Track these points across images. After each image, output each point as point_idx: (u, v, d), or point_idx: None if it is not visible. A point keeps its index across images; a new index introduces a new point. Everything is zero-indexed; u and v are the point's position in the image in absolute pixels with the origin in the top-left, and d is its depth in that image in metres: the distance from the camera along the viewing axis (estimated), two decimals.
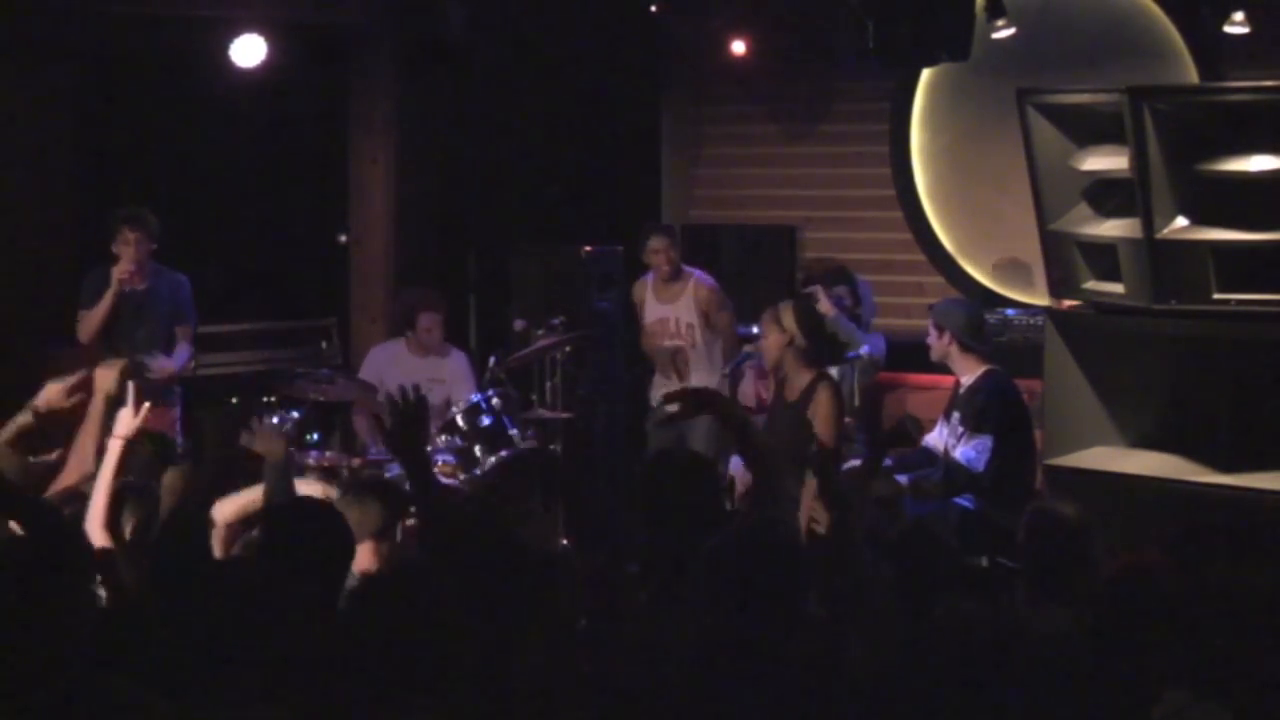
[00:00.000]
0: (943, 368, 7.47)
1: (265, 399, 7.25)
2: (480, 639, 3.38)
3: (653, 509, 4.30)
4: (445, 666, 3.24)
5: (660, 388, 8.58)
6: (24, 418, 5.11)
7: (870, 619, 3.90)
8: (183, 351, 7.85)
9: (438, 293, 8.50)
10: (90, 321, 7.64)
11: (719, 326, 8.59)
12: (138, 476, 5.08)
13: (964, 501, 6.94)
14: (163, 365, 7.70)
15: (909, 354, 8.92)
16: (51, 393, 5.16)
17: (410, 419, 4.29)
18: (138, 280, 7.69)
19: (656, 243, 8.58)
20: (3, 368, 8.02)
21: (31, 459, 5.08)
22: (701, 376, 8.49)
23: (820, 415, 6.78)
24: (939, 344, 7.19)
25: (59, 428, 5.18)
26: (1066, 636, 3.92)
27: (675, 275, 8.61)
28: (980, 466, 6.91)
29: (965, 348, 7.15)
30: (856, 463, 7.25)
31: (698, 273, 8.70)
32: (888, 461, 7.42)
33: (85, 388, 5.15)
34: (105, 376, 5.14)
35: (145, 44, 8.79)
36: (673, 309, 8.62)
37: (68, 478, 5.00)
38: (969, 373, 7.15)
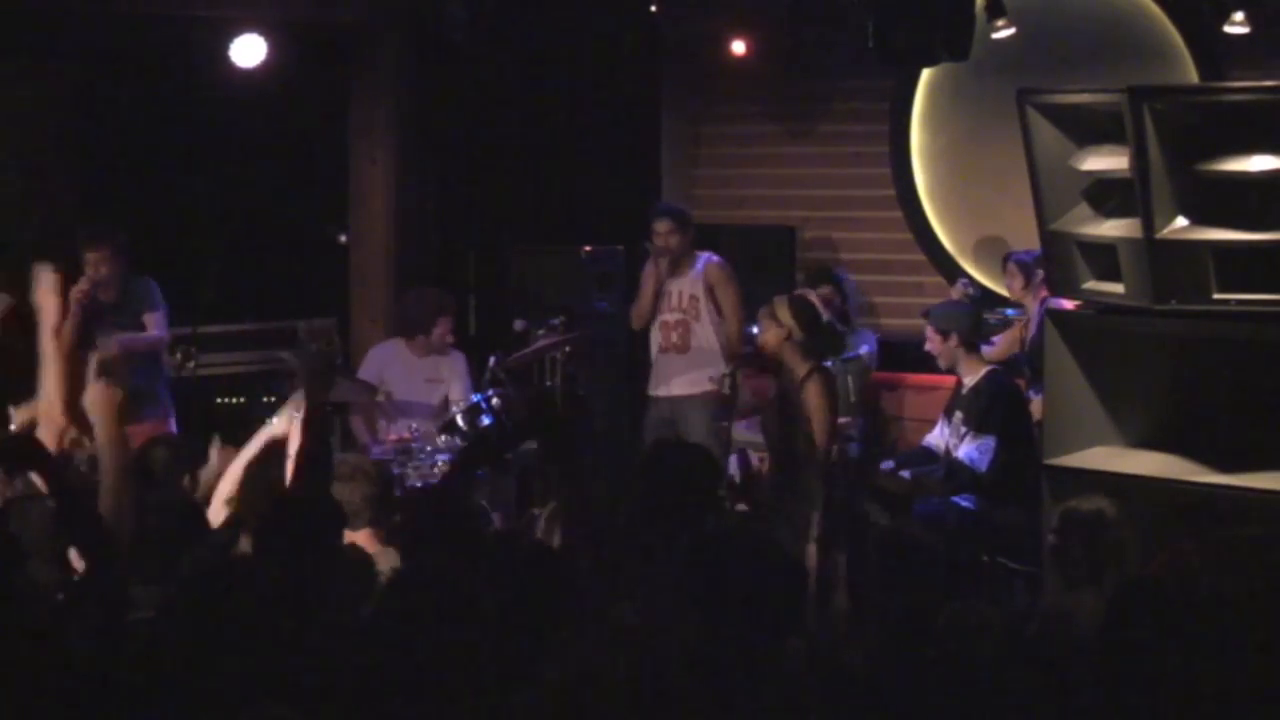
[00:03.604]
0: (938, 367, 7.47)
1: (265, 399, 7.26)
2: (500, 639, 3.38)
3: (650, 498, 4.30)
4: (469, 668, 3.24)
5: (657, 373, 8.46)
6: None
7: (868, 623, 3.90)
8: (155, 329, 7.78)
9: (449, 295, 8.42)
10: (61, 340, 7.55)
11: (724, 305, 8.30)
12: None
13: (964, 501, 6.95)
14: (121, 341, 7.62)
15: (907, 354, 8.93)
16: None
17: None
18: (109, 294, 7.63)
19: (661, 225, 8.24)
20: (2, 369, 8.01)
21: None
22: (701, 357, 8.34)
23: (811, 407, 6.76)
24: (944, 347, 7.19)
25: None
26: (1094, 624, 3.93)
27: (675, 262, 8.27)
28: (983, 467, 6.92)
29: (968, 349, 7.17)
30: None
31: (708, 254, 8.42)
32: (888, 462, 7.45)
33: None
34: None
35: (145, 44, 8.79)
36: (677, 283, 8.33)
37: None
38: (972, 373, 7.16)
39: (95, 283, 7.56)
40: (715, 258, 8.41)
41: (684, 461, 4.48)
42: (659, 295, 8.32)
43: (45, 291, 5.22)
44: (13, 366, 5.43)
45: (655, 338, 8.43)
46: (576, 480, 4.19)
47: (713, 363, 8.21)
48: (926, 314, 7.44)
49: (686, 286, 8.31)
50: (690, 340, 8.29)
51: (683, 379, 8.28)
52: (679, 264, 8.28)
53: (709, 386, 8.19)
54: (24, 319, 5.49)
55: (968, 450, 6.97)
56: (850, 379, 8.47)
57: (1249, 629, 3.60)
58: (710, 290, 8.28)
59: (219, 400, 8.53)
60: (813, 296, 8.30)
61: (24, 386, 5.28)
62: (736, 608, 3.53)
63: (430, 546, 4.05)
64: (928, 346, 7.31)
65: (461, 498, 4.24)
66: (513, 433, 4.34)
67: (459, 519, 4.20)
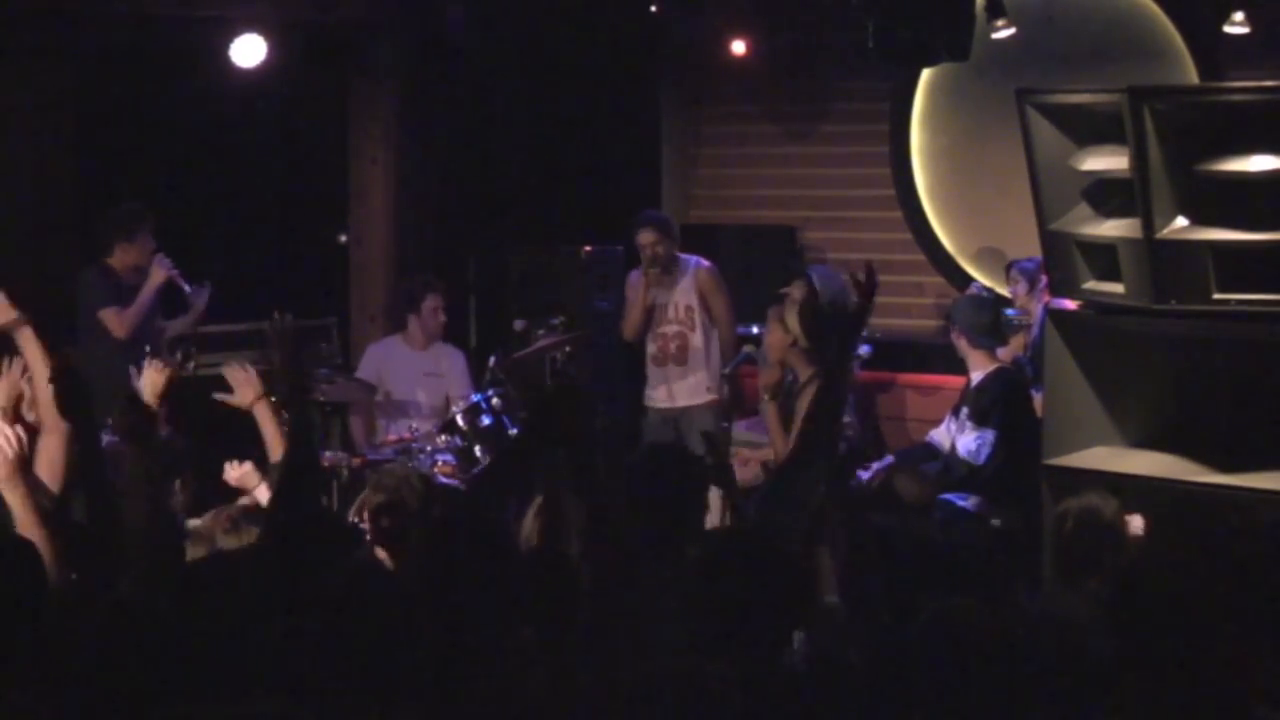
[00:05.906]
0: (939, 367, 7.48)
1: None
2: (477, 641, 3.38)
3: (639, 502, 4.30)
4: (438, 668, 3.24)
5: (656, 383, 8.47)
6: None
7: (863, 621, 3.90)
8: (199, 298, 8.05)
9: (435, 276, 8.54)
10: (133, 317, 7.65)
11: (716, 312, 8.38)
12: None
13: (961, 500, 6.95)
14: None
15: (907, 354, 8.92)
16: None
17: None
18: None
19: (644, 236, 8.29)
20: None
21: None
22: (700, 366, 8.37)
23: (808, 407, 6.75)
24: (954, 338, 7.26)
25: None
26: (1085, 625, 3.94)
27: (666, 270, 8.32)
28: (980, 460, 6.93)
29: (974, 344, 7.18)
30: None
31: (695, 258, 8.51)
32: (889, 458, 7.45)
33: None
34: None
35: (145, 44, 8.79)
36: (672, 294, 8.39)
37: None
38: (979, 369, 7.19)
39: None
40: (704, 263, 8.46)
41: (675, 465, 4.49)
42: (652, 308, 8.36)
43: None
44: None
45: (651, 349, 8.46)
46: (588, 476, 4.18)
47: (710, 371, 8.28)
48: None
49: (681, 297, 8.37)
50: (688, 351, 8.35)
51: (684, 389, 8.36)
52: (668, 270, 8.33)
53: (710, 396, 8.25)
54: None
55: (965, 442, 6.97)
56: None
57: (1249, 623, 3.60)
58: (703, 298, 8.34)
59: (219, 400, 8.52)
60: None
61: None
62: (740, 613, 3.54)
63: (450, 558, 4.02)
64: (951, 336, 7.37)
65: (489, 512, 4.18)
66: (534, 442, 4.26)
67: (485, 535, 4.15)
